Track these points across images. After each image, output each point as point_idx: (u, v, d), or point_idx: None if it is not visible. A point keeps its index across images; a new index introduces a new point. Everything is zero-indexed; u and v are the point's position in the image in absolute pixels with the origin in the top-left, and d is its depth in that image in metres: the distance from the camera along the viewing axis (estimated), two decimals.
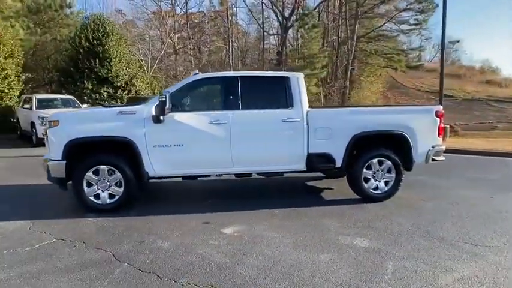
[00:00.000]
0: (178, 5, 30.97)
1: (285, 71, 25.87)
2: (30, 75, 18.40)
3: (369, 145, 5.01)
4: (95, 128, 4.46)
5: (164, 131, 4.50)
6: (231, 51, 29.02)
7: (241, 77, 4.88)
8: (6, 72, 14.00)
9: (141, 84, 17.05)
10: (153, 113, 4.43)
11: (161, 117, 4.41)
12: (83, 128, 4.47)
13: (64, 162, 4.41)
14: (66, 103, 12.55)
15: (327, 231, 3.88)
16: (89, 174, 4.47)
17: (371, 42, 26.20)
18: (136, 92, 16.54)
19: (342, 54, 26.57)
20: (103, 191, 4.54)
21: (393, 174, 4.99)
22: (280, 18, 29.07)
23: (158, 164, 4.55)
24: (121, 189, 4.55)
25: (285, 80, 4.86)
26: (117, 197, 4.56)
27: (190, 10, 32.53)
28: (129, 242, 3.61)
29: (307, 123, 4.74)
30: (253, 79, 5.06)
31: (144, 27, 29.00)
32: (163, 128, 4.49)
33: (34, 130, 11.21)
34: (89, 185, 4.50)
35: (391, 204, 4.86)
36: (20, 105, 13.06)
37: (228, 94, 4.81)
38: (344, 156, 4.84)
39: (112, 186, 4.54)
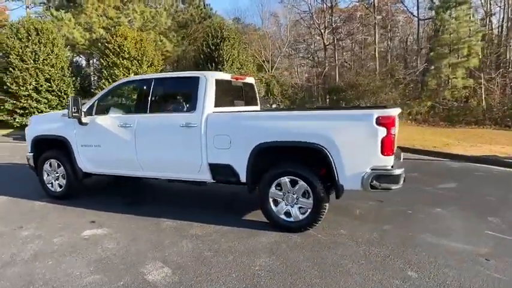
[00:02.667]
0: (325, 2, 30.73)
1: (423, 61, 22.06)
2: None
3: (279, 159, 3.97)
4: (48, 128, 5.30)
5: (87, 132, 4.90)
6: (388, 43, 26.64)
7: (155, 79, 4.73)
8: None
9: None
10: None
11: (82, 120, 4.81)
12: (41, 128, 5.40)
13: (32, 154, 5.45)
14: None
15: None
16: (46, 166, 5.35)
17: None
18: None
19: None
20: (54, 181, 5.34)
21: (310, 200, 3.79)
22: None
23: (85, 162, 5.00)
24: (65, 181, 5.24)
25: (195, 80, 4.39)
26: (64, 188, 5.28)
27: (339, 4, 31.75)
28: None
29: (206, 130, 4.17)
30: (167, 81, 4.82)
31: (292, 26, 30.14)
32: (87, 129, 4.88)
33: None
34: (47, 175, 5.39)
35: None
36: None
37: (140, 97, 4.77)
38: (247, 169, 4.02)
39: (60, 178, 5.29)
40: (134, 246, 3.65)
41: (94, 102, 4.95)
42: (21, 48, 16.27)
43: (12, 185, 6.22)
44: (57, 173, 5.29)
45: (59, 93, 17.15)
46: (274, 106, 17.74)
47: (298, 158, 3.90)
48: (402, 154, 4.59)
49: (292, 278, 2.96)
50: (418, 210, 4.67)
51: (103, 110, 4.94)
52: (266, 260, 3.29)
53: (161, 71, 18.89)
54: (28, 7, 24.72)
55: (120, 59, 16.89)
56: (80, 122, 4.83)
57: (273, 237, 3.80)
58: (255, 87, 5.54)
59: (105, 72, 16.90)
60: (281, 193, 3.92)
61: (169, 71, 22.11)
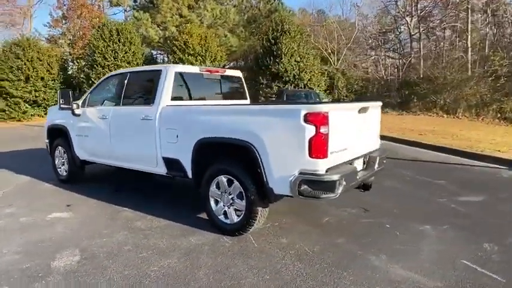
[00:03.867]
0: None
1: None
2: None
3: (218, 156, 3.72)
4: (56, 118, 5.87)
5: (79, 123, 5.28)
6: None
7: (130, 72, 4.83)
8: None
9: (311, 77, 17.37)
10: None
11: (75, 111, 5.20)
12: (52, 118, 6.01)
13: (47, 141, 6.12)
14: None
15: None
16: (56, 152, 5.95)
17: None
18: (304, 85, 17.10)
19: None
20: (61, 166, 5.91)
21: (243, 202, 3.48)
22: None
23: (79, 150, 5.41)
24: (68, 167, 5.76)
25: (157, 73, 4.35)
26: (67, 172, 5.82)
27: None
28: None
29: (159, 123, 4.12)
30: (139, 74, 4.85)
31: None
32: (79, 120, 5.27)
33: None
34: (57, 160, 5.99)
35: None
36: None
37: (118, 90, 4.92)
38: (191, 165, 3.86)
39: (65, 164, 5.84)
40: (76, 232, 3.82)
41: (87, 95, 5.31)
42: (104, 47, 18.39)
43: (38, 167, 7.02)
44: (63, 159, 5.85)
45: None
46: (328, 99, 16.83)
47: (235, 156, 3.60)
48: (379, 159, 3.89)
49: (178, 284, 2.75)
50: (401, 225, 3.92)
51: (96, 102, 5.25)
52: (172, 261, 3.13)
53: (223, 66, 19.47)
54: (125, 10, 27.92)
55: (186, 55, 17.89)
56: (73, 113, 5.22)
57: (205, 238, 3.59)
58: (242, 80, 5.29)
59: None
60: (219, 192, 3.68)
61: (232, 66, 22.66)
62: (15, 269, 3.03)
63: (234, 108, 3.93)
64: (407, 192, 5.24)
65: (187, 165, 3.91)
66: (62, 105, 5.03)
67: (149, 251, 3.34)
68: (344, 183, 3.10)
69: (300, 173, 3.05)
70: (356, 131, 3.53)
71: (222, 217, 3.69)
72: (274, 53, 17.23)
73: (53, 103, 20.23)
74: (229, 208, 3.62)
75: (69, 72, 22.87)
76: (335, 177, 3.02)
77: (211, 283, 2.76)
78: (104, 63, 18.33)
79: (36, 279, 2.87)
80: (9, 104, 18.80)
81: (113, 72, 5.45)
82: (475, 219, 4.09)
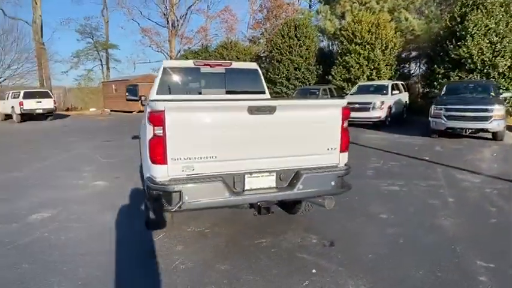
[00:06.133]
0: None
1: None
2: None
3: None
4: None
5: None
6: None
7: None
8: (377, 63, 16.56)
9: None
10: None
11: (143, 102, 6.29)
12: None
13: None
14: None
15: None
16: None
17: None
18: (499, 74, 12.92)
19: None
20: None
21: None
22: None
23: None
24: None
25: None
26: None
27: None
28: None
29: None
30: None
31: None
32: None
33: None
34: None
35: None
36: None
37: None
38: None
39: None
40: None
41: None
42: (281, 43, 19.94)
43: None
44: None
45: (303, 80, 19.74)
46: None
47: None
48: (307, 179, 2.89)
49: None
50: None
51: None
52: None
53: (398, 55, 17.26)
54: (310, 6, 29.10)
55: (353, 45, 16.99)
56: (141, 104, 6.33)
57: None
58: (258, 73, 4.89)
59: (339, 59, 17.59)
60: None
61: (410, 54, 19.50)
62: None
63: None
64: None
65: None
66: (127, 98, 6.20)
67: None
68: (187, 198, 2.60)
69: (147, 178, 2.80)
70: (249, 137, 2.78)
71: None
72: (457, 33, 13.67)
73: None
74: None
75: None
76: (172, 188, 2.59)
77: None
78: (280, 58, 19.90)
79: None
80: None
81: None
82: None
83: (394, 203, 4.43)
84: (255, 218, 3.50)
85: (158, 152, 2.62)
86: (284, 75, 19.78)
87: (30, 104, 18.24)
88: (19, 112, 18.17)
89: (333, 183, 2.97)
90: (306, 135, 2.93)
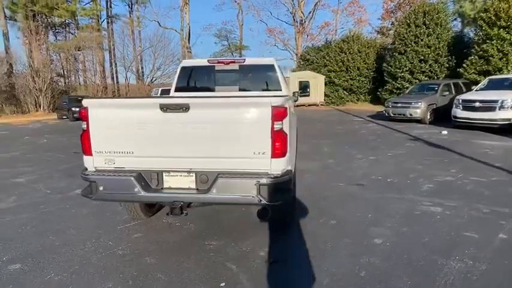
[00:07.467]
0: None
1: None
2: None
3: None
4: None
5: None
6: None
7: None
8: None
9: None
10: None
11: None
12: None
13: None
14: None
15: None
16: None
17: None
18: None
19: None
20: None
21: None
22: None
23: None
24: None
25: None
26: None
27: None
28: None
29: None
30: None
31: None
32: None
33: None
34: None
35: None
36: None
37: None
38: None
39: None
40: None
41: None
42: (406, 32, 17.80)
43: None
44: None
45: (430, 74, 17.13)
46: None
47: None
48: (223, 183, 2.67)
49: None
50: None
51: None
52: None
53: None
54: None
55: (495, 29, 13.82)
56: None
57: None
58: (275, 69, 4.63)
59: (476, 48, 14.54)
60: None
61: None
62: None
63: None
64: None
65: None
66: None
67: None
68: (101, 189, 2.79)
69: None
70: (163, 135, 2.74)
71: None
72: None
73: (365, 91, 22.23)
74: None
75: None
76: (89, 178, 2.82)
77: None
78: (403, 50, 17.80)
79: None
80: (332, 90, 22.75)
81: None
82: None
83: None
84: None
85: (85, 144, 2.87)
86: (407, 68, 17.66)
87: None
88: None
89: (253, 191, 2.63)
90: (227, 136, 2.66)
